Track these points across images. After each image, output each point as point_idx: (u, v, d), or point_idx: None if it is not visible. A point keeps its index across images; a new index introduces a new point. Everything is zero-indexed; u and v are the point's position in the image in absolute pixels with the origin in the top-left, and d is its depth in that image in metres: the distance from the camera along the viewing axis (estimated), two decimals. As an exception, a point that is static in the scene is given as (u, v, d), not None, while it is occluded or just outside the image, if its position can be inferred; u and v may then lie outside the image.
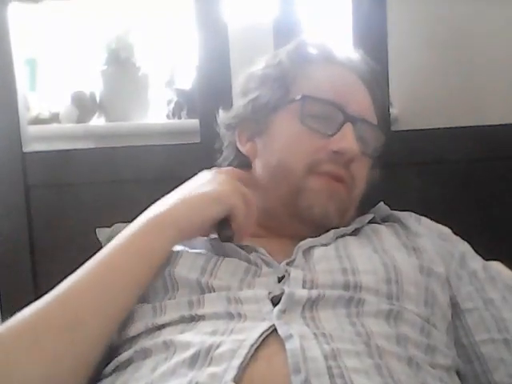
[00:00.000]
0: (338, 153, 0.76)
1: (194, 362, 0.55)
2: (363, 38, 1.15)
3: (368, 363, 0.55)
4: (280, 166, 0.80)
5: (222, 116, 0.91)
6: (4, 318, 1.16)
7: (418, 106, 1.30)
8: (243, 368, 0.53)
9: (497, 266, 0.79)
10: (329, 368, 0.52)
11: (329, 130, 0.78)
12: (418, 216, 0.86)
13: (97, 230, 1.15)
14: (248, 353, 0.54)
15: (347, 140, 0.76)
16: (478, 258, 0.78)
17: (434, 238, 0.79)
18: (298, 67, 0.84)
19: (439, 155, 1.16)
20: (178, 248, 0.74)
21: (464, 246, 0.80)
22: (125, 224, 1.16)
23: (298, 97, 0.80)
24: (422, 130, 1.19)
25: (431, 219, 0.86)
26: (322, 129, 0.79)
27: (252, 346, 0.55)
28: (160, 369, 0.56)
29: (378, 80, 0.87)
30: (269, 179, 0.83)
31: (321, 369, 0.52)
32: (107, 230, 1.15)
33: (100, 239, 1.15)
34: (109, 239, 1.13)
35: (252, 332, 0.57)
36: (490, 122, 1.17)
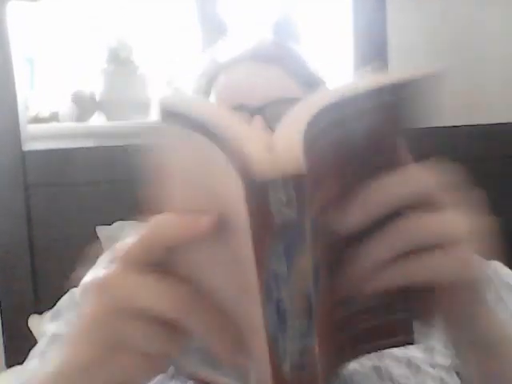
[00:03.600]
0: None
1: None
2: (363, 38, 1.15)
3: (367, 366, 0.55)
4: None
5: None
6: (4, 317, 1.16)
7: (417, 105, 1.30)
8: None
9: (496, 265, 0.79)
10: None
11: None
12: None
13: (97, 228, 1.16)
14: None
15: None
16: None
17: None
18: (208, 90, 0.83)
19: (439, 153, 1.16)
20: None
21: None
22: (125, 222, 1.17)
23: None
24: (421, 128, 1.19)
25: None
26: None
27: None
28: None
29: (286, 50, 0.84)
30: None
31: None
32: (107, 228, 1.16)
33: (100, 237, 1.15)
34: (108, 237, 1.14)
35: None
36: (491, 120, 1.17)
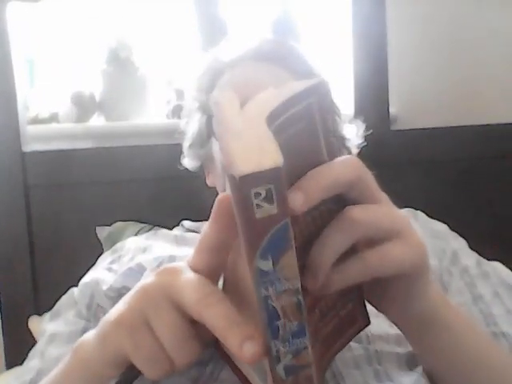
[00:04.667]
0: None
1: None
2: (363, 38, 1.15)
3: (367, 370, 0.55)
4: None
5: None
6: (4, 317, 1.16)
7: (417, 105, 1.30)
8: None
9: (496, 265, 0.78)
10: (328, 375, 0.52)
11: None
12: (414, 211, 0.84)
13: (96, 228, 1.16)
14: None
15: None
16: (473, 254, 0.77)
17: (426, 237, 0.78)
18: (211, 87, 0.83)
19: (438, 154, 1.16)
20: None
21: (458, 243, 0.78)
22: (124, 223, 1.17)
23: (204, 119, 0.80)
24: (420, 129, 1.19)
25: (430, 217, 0.86)
26: None
27: None
28: None
29: (288, 49, 0.84)
30: None
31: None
32: (107, 228, 1.16)
33: (100, 238, 1.15)
34: (108, 237, 1.14)
35: None
36: (489, 121, 1.17)
